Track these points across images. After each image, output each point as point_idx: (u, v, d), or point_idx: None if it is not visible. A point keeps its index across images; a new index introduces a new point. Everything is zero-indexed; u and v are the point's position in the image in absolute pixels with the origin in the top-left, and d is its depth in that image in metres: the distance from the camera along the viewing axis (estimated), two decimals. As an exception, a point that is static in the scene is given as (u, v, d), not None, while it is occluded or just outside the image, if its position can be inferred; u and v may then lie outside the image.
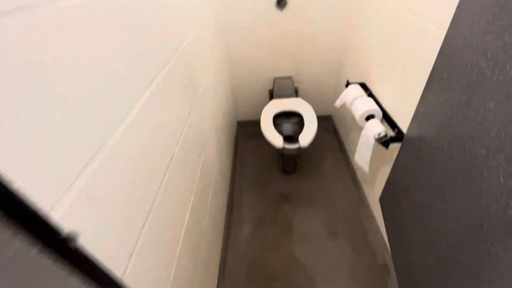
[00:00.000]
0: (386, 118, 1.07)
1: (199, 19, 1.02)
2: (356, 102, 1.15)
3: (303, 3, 1.46)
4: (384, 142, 0.94)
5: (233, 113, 1.90)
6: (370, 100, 1.11)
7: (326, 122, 2.03)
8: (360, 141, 1.10)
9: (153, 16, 0.58)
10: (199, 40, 1.01)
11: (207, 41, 1.14)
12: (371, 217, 1.29)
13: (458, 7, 0.61)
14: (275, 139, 1.35)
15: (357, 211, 1.40)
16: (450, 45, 0.64)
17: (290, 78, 1.78)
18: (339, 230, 1.33)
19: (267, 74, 1.79)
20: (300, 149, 1.33)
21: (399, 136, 0.94)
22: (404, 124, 0.95)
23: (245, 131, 2.05)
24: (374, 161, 1.17)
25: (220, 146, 1.33)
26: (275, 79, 1.79)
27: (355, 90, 1.22)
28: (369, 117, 1.09)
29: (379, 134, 0.93)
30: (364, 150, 1.08)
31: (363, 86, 1.29)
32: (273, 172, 1.71)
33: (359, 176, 1.49)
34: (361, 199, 1.42)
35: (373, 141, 0.96)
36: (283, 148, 1.34)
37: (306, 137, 1.33)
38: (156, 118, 0.56)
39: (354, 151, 1.54)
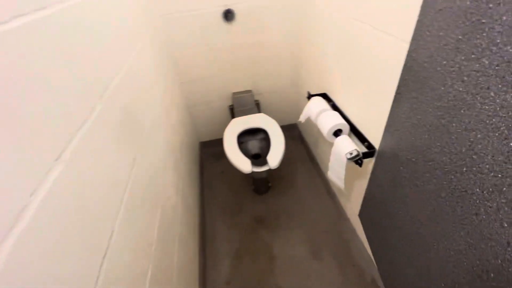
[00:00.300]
0: (354, 131, 1.02)
1: (134, 45, 0.87)
2: (321, 117, 1.08)
3: (251, 14, 1.37)
4: (357, 160, 0.88)
5: (193, 136, 1.75)
6: (336, 114, 1.06)
7: (292, 131, 1.98)
8: (331, 158, 1.03)
9: (60, 60, 0.43)
10: (138, 69, 0.86)
11: (148, 67, 0.99)
12: (352, 231, 1.25)
13: (418, 21, 0.57)
14: (242, 164, 1.24)
15: (337, 226, 1.35)
16: (416, 61, 0.58)
17: (249, 92, 1.68)
18: (322, 249, 1.26)
19: (224, 90, 1.68)
20: (270, 170, 1.24)
21: (370, 151, 0.89)
22: (374, 138, 0.90)
23: (210, 152, 1.90)
24: (349, 175, 1.12)
25: (182, 182, 1.17)
26: (233, 94, 1.68)
27: (318, 104, 1.16)
28: (337, 132, 1.04)
29: (351, 154, 0.87)
30: (336, 168, 1.02)
31: (325, 96, 1.24)
32: (245, 194, 1.59)
33: (334, 188, 1.45)
34: (340, 213, 1.38)
35: (345, 159, 0.90)
36: (252, 172, 1.23)
37: (275, 158, 1.24)
38: (75, 201, 0.41)
39: (325, 160, 1.49)
